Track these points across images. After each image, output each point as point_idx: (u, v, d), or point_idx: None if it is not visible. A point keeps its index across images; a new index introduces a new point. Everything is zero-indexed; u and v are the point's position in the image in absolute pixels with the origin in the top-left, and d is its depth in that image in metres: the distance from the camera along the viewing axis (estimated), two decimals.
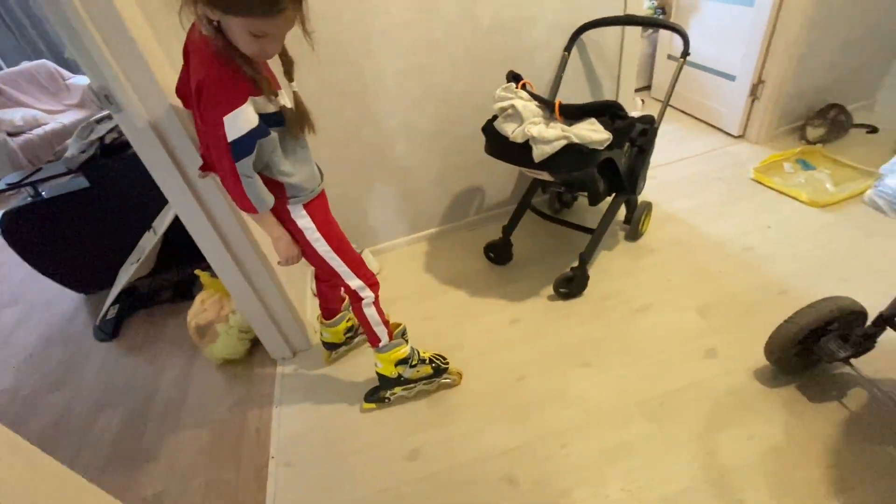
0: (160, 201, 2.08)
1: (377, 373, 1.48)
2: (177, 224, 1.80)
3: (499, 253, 1.98)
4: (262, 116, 0.97)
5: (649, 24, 2.66)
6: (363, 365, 1.67)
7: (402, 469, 1.35)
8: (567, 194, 2.17)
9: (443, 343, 1.63)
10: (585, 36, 1.85)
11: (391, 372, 1.45)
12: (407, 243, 2.21)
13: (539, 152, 1.36)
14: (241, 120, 0.93)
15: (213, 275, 1.64)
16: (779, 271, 1.74)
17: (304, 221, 1.17)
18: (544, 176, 1.54)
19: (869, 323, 1.21)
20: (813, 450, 1.21)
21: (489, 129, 1.54)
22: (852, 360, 1.26)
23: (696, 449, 1.26)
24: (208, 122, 0.94)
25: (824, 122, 2.34)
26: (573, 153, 1.37)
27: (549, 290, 1.83)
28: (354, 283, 1.31)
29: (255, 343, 1.81)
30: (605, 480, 1.23)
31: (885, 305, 1.16)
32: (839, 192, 2.04)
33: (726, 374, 1.43)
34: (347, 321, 1.67)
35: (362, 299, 1.34)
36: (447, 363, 1.52)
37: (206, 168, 1.16)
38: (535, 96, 1.51)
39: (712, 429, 1.30)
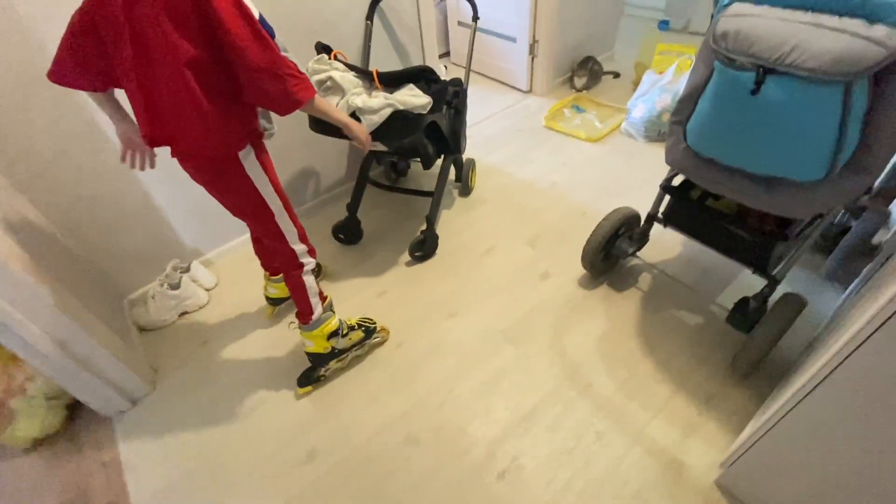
0: None
1: (308, 353, 1.41)
2: None
3: (348, 233, 1.95)
4: None
5: None
6: (216, 392, 1.51)
7: (302, 473, 1.29)
8: (401, 163, 2.23)
9: None
10: (385, 4, 1.87)
11: (324, 347, 1.40)
12: (243, 244, 2.00)
13: (368, 123, 1.36)
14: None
15: None
16: (578, 197, 2.14)
17: (256, 172, 1.10)
18: (378, 146, 1.55)
19: (643, 222, 1.59)
20: (626, 328, 1.58)
21: None
22: (638, 253, 1.65)
23: (552, 355, 1.51)
24: (235, 15, 0.88)
25: (585, 72, 2.88)
26: (401, 120, 1.41)
27: (406, 256, 1.90)
28: (299, 247, 1.28)
29: (75, 406, 1.46)
30: (491, 407, 1.39)
31: (649, 208, 1.53)
32: (605, 127, 2.56)
33: (559, 288, 1.73)
34: None
35: (302, 266, 1.30)
36: (374, 323, 1.52)
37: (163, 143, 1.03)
38: (350, 66, 1.48)
39: (559, 335, 1.57)
